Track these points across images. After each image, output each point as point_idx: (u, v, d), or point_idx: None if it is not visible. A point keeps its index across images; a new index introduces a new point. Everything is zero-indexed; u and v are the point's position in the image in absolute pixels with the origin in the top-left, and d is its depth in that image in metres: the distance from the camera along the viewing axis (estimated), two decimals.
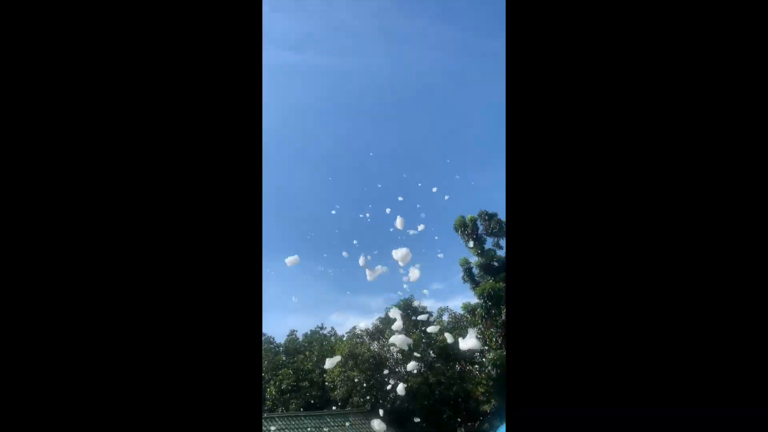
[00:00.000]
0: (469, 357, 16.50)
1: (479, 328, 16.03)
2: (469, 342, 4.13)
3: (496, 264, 15.88)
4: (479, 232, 16.52)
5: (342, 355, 16.45)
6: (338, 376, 16.98)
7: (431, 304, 35.21)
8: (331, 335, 23.18)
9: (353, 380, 16.41)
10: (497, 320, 15.33)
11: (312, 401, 18.20)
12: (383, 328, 17.86)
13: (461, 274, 16.41)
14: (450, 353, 16.57)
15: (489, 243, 16.51)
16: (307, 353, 20.83)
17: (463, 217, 16.74)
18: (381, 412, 13.32)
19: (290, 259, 5.02)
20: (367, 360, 16.72)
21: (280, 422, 14.40)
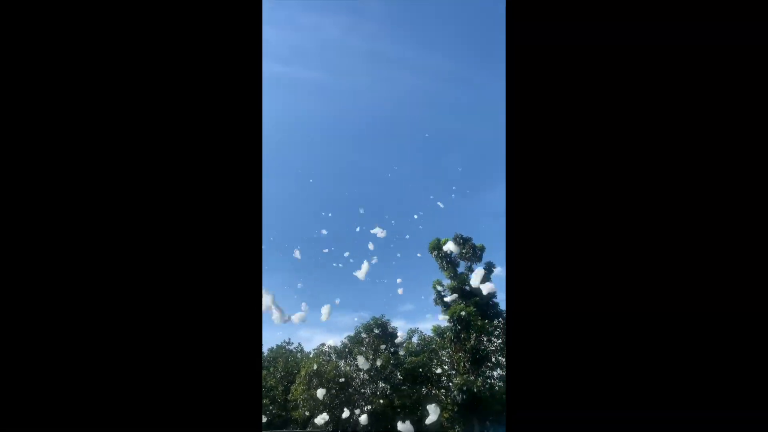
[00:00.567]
0: (435, 381, 16.39)
1: (448, 352, 15.98)
2: (487, 286, 4.58)
3: (467, 288, 15.97)
4: (453, 255, 16.63)
5: (306, 373, 16.06)
6: (301, 395, 16.54)
7: (402, 325, 35.03)
8: (297, 351, 22.73)
9: (316, 399, 15.99)
10: (466, 344, 15.32)
11: (272, 420, 17.64)
12: (351, 347, 17.59)
13: (433, 296, 16.45)
14: (416, 376, 16.41)
15: (462, 267, 16.66)
16: (271, 369, 20.28)
17: (438, 239, 16.87)
18: None
19: None
20: (333, 379, 16.38)
21: None
